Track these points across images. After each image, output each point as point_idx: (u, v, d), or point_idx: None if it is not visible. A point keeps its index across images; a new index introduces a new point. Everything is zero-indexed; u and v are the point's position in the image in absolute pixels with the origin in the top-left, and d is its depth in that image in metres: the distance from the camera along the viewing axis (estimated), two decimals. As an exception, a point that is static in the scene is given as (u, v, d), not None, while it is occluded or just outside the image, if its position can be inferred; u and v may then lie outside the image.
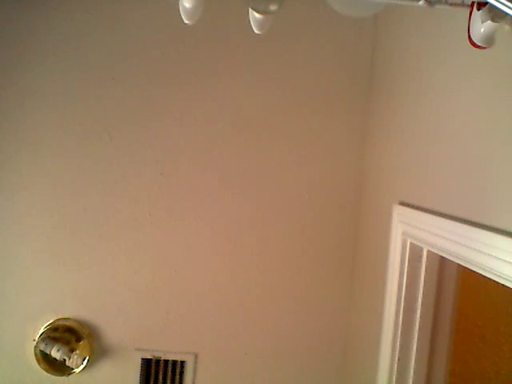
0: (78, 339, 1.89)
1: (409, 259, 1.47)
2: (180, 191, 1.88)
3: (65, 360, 1.84)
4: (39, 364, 1.86)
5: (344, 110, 1.90)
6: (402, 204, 1.51)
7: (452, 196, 1.29)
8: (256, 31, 0.93)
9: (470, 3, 0.87)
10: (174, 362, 1.92)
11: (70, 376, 1.89)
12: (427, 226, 1.35)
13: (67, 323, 1.89)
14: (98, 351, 1.91)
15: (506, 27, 0.84)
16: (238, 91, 1.87)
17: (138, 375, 1.93)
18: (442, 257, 1.38)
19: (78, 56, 1.83)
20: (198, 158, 1.87)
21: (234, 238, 1.90)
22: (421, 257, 1.46)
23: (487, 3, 0.81)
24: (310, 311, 1.94)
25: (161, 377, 1.93)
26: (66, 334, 1.89)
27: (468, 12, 0.88)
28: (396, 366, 1.50)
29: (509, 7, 0.71)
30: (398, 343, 1.49)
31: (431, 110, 1.42)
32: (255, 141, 1.87)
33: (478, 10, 0.85)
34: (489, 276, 1.10)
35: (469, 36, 0.89)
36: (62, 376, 1.88)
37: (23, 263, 1.86)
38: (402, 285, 1.48)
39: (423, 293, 1.46)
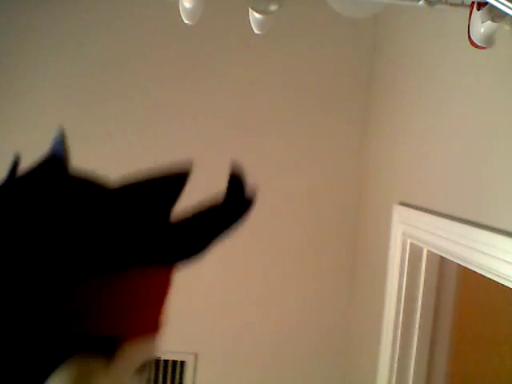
0: (78, 339, 1.89)
1: (409, 259, 1.47)
2: (180, 191, 1.88)
3: (65, 360, 1.84)
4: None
5: (344, 109, 1.90)
6: (402, 204, 1.51)
7: (452, 196, 1.29)
8: (256, 31, 0.93)
9: (469, 3, 0.87)
10: (174, 362, 1.92)
11: (70, 376, 1.88)
12: (427, 226, 1.35)
13: (67, 323, 1.89)
14: (98, 351, 1.91)
15: (506, 27, 0.84)
16: (237, 91, 1.87)
17: (138, 375, 1.92)
18: (442, 257, 1.38)
19: (78, 56, 1.83)
20: (198, 159, 1.87)
21: (234, 238, 1.90)
22: (421, 257, 1.46)
23: (487, 3, 0.81)
24: (310, 311, 1.94)
25: (161, 377, 1.93)
26: (66, 334, 1.89)
27: (468, 12, 0.88)
28: (396, 365, 1.51)
29: (509, 7, 0.71)
30: (398, 343, 1.49)
31: (431, 109, 1.42)
32: (255, 141, 1.87)
33: (478, 9, 0.85)
34: (489, 276, 1.10)
35: (469, 36, 0.89)
36: (62, 376, 1.88)
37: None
38: (402, 285, 1.48)
39: (423, 293, 1.46)
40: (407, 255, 1.47)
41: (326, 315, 1.94)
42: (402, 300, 1.48)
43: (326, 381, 1.96)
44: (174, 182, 0.59)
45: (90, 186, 0.55)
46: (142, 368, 0.56)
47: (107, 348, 0.51)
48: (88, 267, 0.51)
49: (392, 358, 1.51)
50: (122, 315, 0.52)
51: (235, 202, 0.60)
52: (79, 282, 0.50)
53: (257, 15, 0.89)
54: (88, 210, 0.53)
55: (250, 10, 0.89)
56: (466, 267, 1.21)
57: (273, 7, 0.89)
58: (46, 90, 1.83)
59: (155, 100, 1.86)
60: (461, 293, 1.50)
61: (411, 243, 1.46)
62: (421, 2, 0.84)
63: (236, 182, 0.60)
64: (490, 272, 1.09)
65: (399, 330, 1.49)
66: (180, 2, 0.93)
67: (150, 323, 0.56)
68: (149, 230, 0.54)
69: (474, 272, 1.16)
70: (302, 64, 1.87)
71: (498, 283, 1.07)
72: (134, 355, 0.54)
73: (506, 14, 0.74)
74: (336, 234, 1.93)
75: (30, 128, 1.82)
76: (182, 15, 0.95)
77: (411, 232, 1.45)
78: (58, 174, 0.55)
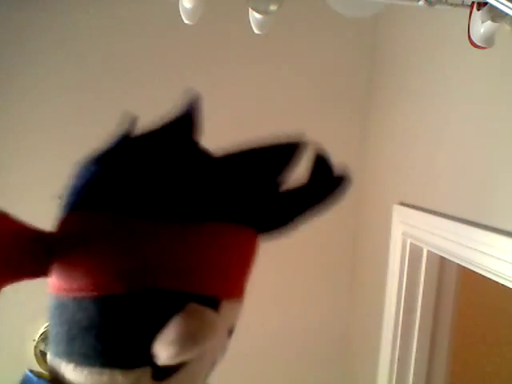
0: (78, 339, 1.89)
1: (409, 259, 1.47)
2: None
3: (65, 360, 1.84)
4: (39, 364, 1.86)
5: (344, 110, 1.90)
6: (402, 204, 1.51)
7: (452, 196, 1.30)
8: (256, 31, 0.93)
9: (470, 3, 0.87)
10: (174, 362, 1.92)
11: (70, 376, 1.88)
12: (427, 226, 1.36)
13: (67, 323, 1.89)
14: (98, 351, 1.91)
15: (506, 27, 0.84)
16: (237, 91, 1.87)
17: (138, 375, 1.92)
18: (442, 257, 1.38)
19: (77, 56, 1.83)
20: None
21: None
22: (421, 257, 1.46)
23: (487, 3, 0.81)
24: (309, 311, 1.93)
25: (161, 377, 1.92)
26: (66, 334, 1.89)
27: (468, 12, 0.88)
28: (396, 365, 1.51)
29: (509, 7, 0.71)
30: (398, 343, 1.49)
31: (431, 110, 1.42)
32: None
33: (478, 10, 0.85)
34: (489, 276, 1.10)
35: (469, 36, 0.89)
36: (62, 376, 1.88)
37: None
38: (402, 285, 1.48)
39: (423, 293, 1.46)
40: (407, 255, 1.47)
41: (326, 315, 1.94)
42: (402, 300, 1.48)
43: (326, 381, 1.96)
44: (280, 152, 0.63)
45: (202, 154, 0.58)
46: (231, 332, 0.59)
47: (211, 304, 0.53)
48: (187, 216, 0.52)
49: (392, 357, 1.51)
50: (216, 275, 0.54)
51: (321, 181, 0.63)
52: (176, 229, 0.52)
53: (257, 15, 0.89)
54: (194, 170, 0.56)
55: (250, 10, 0.89)
56: (466, 267, 1.21)
57: (273, 7, 0.89)
58: (45, 91, 1.83)
59: (155, 100, 1.86)
60: (461, 293, 1.50)
61: (411, 243, 1.46)
62: (421, 2, 0.84)
63: (321, 160, 0.64)
64: (490, 272, 1.09)
65: (399, 330, 1.49)
66: (180, 2, 0.93)
67: (237, 286, 0.59)
68: (246, 194, 0.57)
69: (474, 272, 1.16)
70: (302, 64, 1.87)
71: (498, 283, 1.07)
72: (228, 315, 0.56)
73: (506, 14, 0.74)
74: (336, 234, 1.92)
75: (29, 129, 1.82)
76: (182, 15, 0.95)
77: (411, 232, 1.45)
78: (182, 137, 0.60)
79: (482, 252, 1.10)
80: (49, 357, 0.53)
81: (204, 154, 0.59)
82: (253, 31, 0.93)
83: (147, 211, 0.51)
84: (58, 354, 0.53)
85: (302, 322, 1.94)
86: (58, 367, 0.53)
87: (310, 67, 1.88)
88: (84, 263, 0.50)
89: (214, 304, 0.53)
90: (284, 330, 1.94)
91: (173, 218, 0.51)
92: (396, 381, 1.51)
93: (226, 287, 0.55)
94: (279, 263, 1.93)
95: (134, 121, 0.59)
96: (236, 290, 0.58)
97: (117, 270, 0.50)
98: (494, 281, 1.08)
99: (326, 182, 0.63)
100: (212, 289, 0.53)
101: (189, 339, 0.49)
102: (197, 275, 0.52)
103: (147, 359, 0.50)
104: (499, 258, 1.04)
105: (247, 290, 0.61)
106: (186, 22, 0.94)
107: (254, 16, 0.90)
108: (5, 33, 1.81)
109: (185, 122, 0.60)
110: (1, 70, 1.81)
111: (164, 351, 0.49)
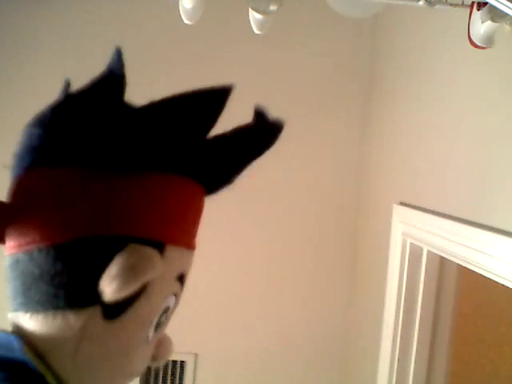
0: (78, 339, 1.89)
1: (409, 259, 1.47)
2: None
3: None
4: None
5: (344, 109, 1.90)
6: (402, 204, 1.51)
7: (452, 196, 1.30)
8: (256, 31, 0.93)
9: (469, 3, 0.87)
10: (174, 362, 1.92)
11: (70, 376, 1.88)
12: (427, 226, 1.36)
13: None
14: (98, 351, 1.91)
15: (506, 27, 0.84)
16: (237, 91, 1.87)
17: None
18: (442, 257, 1.38)
19: (77, 56, 1.83)
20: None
21: (234, 238, 1.90)
22: (421, 257, 1.46)
23: (487, 3, 0.82)
24: (310, 311, 1.94)
25: (161, 377, 1.93)
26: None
27: (468, 12, 0.88)
28: (396, 365, 1.51)
29: (509, 7, 0.71)
30: (398, 343, 1.49)
31: (431, 110, 1.42)
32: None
33: (478, 10, 0.85)
34: (489, 276, 1.10)
35: (469, 36, 0.89)
36: (61, 376, 1.88)
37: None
38: (402, 285, 1.48)
39: (423, 293, 1.46)
40: (407, 255, 1.47)
41: (326, 315, 1.94)
42: (402, 300, 1.48)
43: (326, 381, 1.96)
44: (211, 98, 0.65)
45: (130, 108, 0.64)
46: (181, 280, 0.62)
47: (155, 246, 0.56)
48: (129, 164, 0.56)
49: (392, 358, 1.51)
50: (158, 220, 0.57)
51: (264, 125, 0.67)
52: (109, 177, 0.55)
53: (257, 15, 0.90)
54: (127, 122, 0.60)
55: (250, 9, 0.89)
56: (466, 267, 1.21)
57: (273, 7, 0.89)
58: (45, 91, 1.82)
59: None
60: (461, 293, 1.50)
61: (411, 243, 1.46)
62: (421, 2, 0.84)
63: (261, 112, 0.69)
64: (490, 272, 1.09)
65: (399, 330, 1.49)
66: (180, 2, 0.93)
67: (181, 233, 0.61)
68: (185, 143, 0.60)
69: (474, 272, 1.16)
70: (302, 64, 1.87)
71: (498, 283, 1.08)
72: (174, 260, 0.59)
73: (506, 14, 0.74)
74: (336, 234, 1.93)
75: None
76: (182, 15, 0.95)
77: (411, 232, 1.45)
78: (113, 95, 0.64)
79: (481, 252, 1.10)
80: (9, 314, 0.56)
81: (132, 107, 0.64)
82: (253, 31, 0.93)
83: (90, 163, 0.55)
84: (15, 308, 0.56)
85: (302, 321, 1.94)
86: (17, 320, 0.55)
87: (310, 67, 1.87)
88: (33, 218, 0.54)
89: (157, 246, 0.56)
90: (284, 330, 1.94)
91: (114, 168, 0.56)
92: (396, 381, 1.50)
93: (169, 232, 0.58)
94: (279, 263, 1.93)
95: (69, 85, 0.64)
96: (181, 237, 0.61)
97: (62, 220, 0.54)
98: (494, 281, 1.09)
99: (263, 128, 0.65)
100: (154, 233, 0.56)
101: (128, 272, 0.53)
102: (139, 220, 0.56)
103: (95, 298, 0.53)
104: (499, 258, 1.04)
105: (198, 242, 0.65)
106: (186, 22, 0.94)
107: (254, 16, 0.90)
108: (4, 32, 1.80)
109: (112, 79, 0.65)
110: (1, 71, 1.81)
111: (107, 286, 0.52)
